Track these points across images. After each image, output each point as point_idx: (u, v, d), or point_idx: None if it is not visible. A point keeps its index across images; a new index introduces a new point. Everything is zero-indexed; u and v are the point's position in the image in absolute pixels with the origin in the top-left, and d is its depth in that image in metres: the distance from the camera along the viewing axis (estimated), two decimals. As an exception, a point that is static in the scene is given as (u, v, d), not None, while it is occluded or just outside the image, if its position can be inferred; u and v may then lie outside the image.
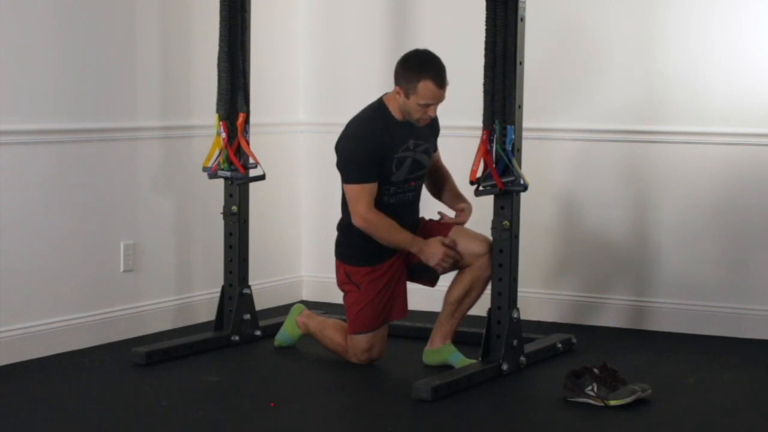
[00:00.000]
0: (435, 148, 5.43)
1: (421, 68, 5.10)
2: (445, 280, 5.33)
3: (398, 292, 5.31)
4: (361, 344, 5.29)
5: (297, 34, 6.68)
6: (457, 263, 5.21)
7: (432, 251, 5.16)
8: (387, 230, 5.16)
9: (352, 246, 5.29)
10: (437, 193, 5.49)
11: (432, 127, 5.36)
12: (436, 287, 5.41)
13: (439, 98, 5.12)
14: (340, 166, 5.21)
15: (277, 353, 5.58)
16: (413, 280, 5.38)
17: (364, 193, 5.13)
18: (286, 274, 6.68)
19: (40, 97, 5.35)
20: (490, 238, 5.21)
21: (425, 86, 5.08)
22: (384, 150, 5.15)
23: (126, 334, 5.72)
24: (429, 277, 5.35)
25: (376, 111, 5.22)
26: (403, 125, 5.21)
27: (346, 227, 5.31)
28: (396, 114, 5.20)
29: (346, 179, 5.16)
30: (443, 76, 5.11)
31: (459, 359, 5.22)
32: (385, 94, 5.26)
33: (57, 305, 5.46)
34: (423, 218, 5.38)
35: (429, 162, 5.33)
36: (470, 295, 5.25)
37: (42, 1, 5.33)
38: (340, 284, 5.36)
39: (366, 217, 5.12)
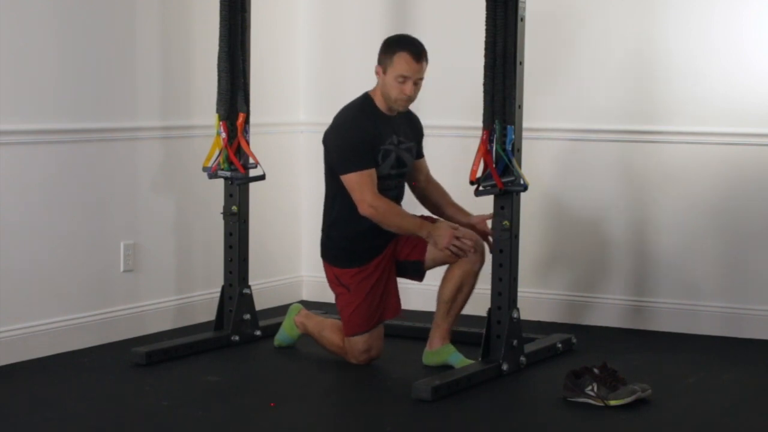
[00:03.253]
0: (421, 155, 5.43)
1: (398, 43, 5.18)
2: (436, 278, 5.32)
3: (390, 290, 5.30)
4: (359, 345, 5.28)
5: (297, 34, 6.68)
6: (462, 251, 5.18)
7: (440, 234, 5.15)
8: (395, 216, 5.15)
9: (338, 248, 5.29)
10: (437, 209, 5.46)
11: (414, 128, 5.38)
12: (432, 286, 5.38)
13: (415, 72, 5.13)
14: (334, 158, 5.19)
15: (277, 353, 5.58)
16: (401, 275, 5.37)
17: (365, 180, 5.11)
18: (286, 274, 6.68)
19: (40, 97, 5.35)
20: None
21: (401, 57, 5.12)
22: (373, 139, 5.15)
23: (126, 334, 5.72)
24: (417, 273, 5.34)
25: (363, 103, 5.24)
26: (388, 119, 5.23)
27: (329, 228, 5.31)
28: (381, 106, 5.21)
29: (343, 170, 5.14)
30: (420, 52, 5.15)
31: (459, 360, 5.22)
32: (369, 90, 5.28)
33: (57, 305, 5.46)
34: None
35: (411, 162, 5.34)
36: (463, 291, 5.24)
37: (42, 1, 5.33)
38: (330, 285, 5.37)
39: (373, 204, 5.11)
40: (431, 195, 5.46)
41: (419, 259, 5.27)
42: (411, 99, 5.19)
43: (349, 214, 5.17)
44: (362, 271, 5.25)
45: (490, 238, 5.25)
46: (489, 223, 5.25)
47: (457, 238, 5.14)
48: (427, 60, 5.17)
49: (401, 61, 5.12)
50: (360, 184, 5.11)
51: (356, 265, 5.25)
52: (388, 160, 5.21)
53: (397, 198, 5.33)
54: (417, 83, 5.16)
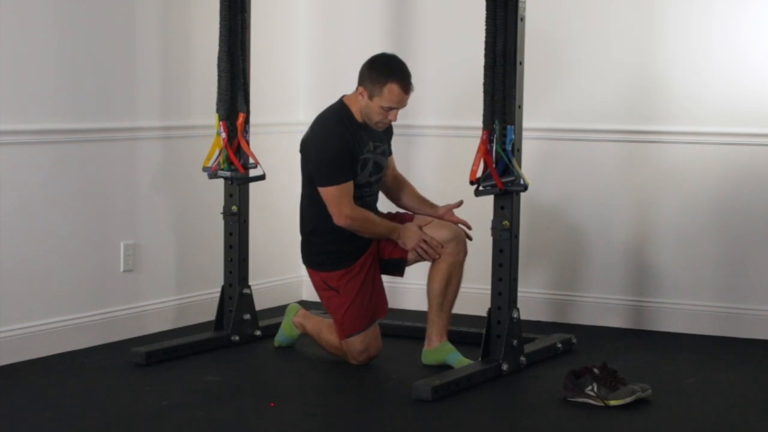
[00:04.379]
0: (390, 152, 5.44)
1: (389, 71, 5.13)
2: (423, 276, 5.33)
3: (378, 288, 5.32)
4: (357, 346, 5.28)
5: (297, 34, 6.68)
6: (431, 251, 5.21)
7: (409, 235, 5.20)
8: (370, 224, 5.20)
9: (323, 252, 5.29)
10: (400, 201, 5.49)
11: (386, 130, 5.38)
12: (422, 285, 5.38)
13: (403, 103, 5.16)
14: (312, 169, 5.19)
15: (277, 353, 5.58)
16: (384, 272, 5.38)
17: (343, 193, 5.13)
18: (286, 274, 6.68)
19: (40, 97, 5.35)
20: (463, 229, 5.28)
21: (391, 89, 5.10)
22: (352, 150, 5.16)
23: (126, 334, 5.72)
24: (399, 270, 5.37)
25: (341, 112, 5.23)
26: (364, 127, 5.23)
27: (310, 233, 5.31)
28: (357, 115, 5.21)
29: (323, 182, 5.15)
30: (409, 82, 5.15)
31: (457, 359, 5.22)
32: (344, 95, 5.27)
33: (57, 305, 5.46)
34: (381, 212, 5.39)
35: (386, 164, 5.36)
36: (452, 284, 5.25)
37: (42, 1, 5.33)
38: (318, 290, 5.36)
39: (351, 215, 5.14)
40: (398, 190, 5.49)
41: (402, 257, 5.30)
42: (392, 122, 5.24)
43: (329, 219, 5.18)
44: (349, 272, 5.25)
45: (461, 226, 5.28)
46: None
47: (425, 241, 5.17)
48: (413, 88, 5.17)
49: (391, 94, 5.11)
50: (338, 198, 5.13)
51: (342, 267, 5.26)
52: (366, 168, 5.23)
53: (375, 202, 5.36)
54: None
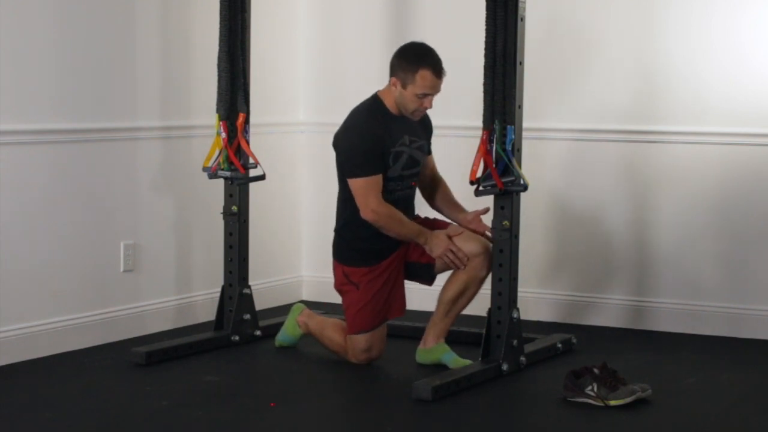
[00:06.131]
0: (429, 151, 5.44)
1: (419, 58, 5.14)
2: (441, 279, 5.32)
3: (396, 290, 5.30)
4: (360, 344, 5.28)
5: (297, 34, 6.68)
6: (457, 261, 5.20)
7: (437, 242, 5.17)
8: (397, 223, 5.17)
9: (352, 248, 5.28)
10: (432, 201, 5.48)
11: (425, 127, 5.38)
12: (433, 286, 5.39)
13: (437, 88, 5.15)
14: (343, 161, 5.20)
15: (277, 353, 5.58)
16: (411, 278, 5.37)
17: (371, 186, 5.12)
18: (286, 274, 6.68)
19: (40, 97, 5.35)
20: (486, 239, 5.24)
21: (423, 75, 5.11)
22: (384, 143, 5.15)
23: (126, 334, 5.72)
24: (427, 276, 5.34)
25: (373, 105, 5.23)
26: (399, 120, 5.22)
27: (342, 228, 5.31)
28: (392, 108, 5.21)
29: (351, 174, 5.15)
30: (441, 66, 5.15)
31: (452, 359, 5.22)
32: (378, 90, 5.27)
33: (57, 305, 5.46)
34: (419, 215, 5.39)
35: (423, 159, 5.35)
36: (465, 295, 5.25)
37: (42, 1, 5.33)
38: (338, 285, 5.35)
39: (377, 210, 5.12)
40: (432, 190, 5.47)
41: (431, 262, 5.27)
42: (428, 109, 5.23)
43: (360, 215, 5.18)
44: (373, 271, 5.25)
45: (488, 233, 5.26)
46: (486, 218, 5.27)
47: (452, 251, 5.16)
48: (445, 72, 5.18)
49: (425, 80, 5.11)
50: (365, 190, 5.12)
51: (368, 264, 5.25)
52: (399, 161, 5.21)
53: (411, 198, 5.33)
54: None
